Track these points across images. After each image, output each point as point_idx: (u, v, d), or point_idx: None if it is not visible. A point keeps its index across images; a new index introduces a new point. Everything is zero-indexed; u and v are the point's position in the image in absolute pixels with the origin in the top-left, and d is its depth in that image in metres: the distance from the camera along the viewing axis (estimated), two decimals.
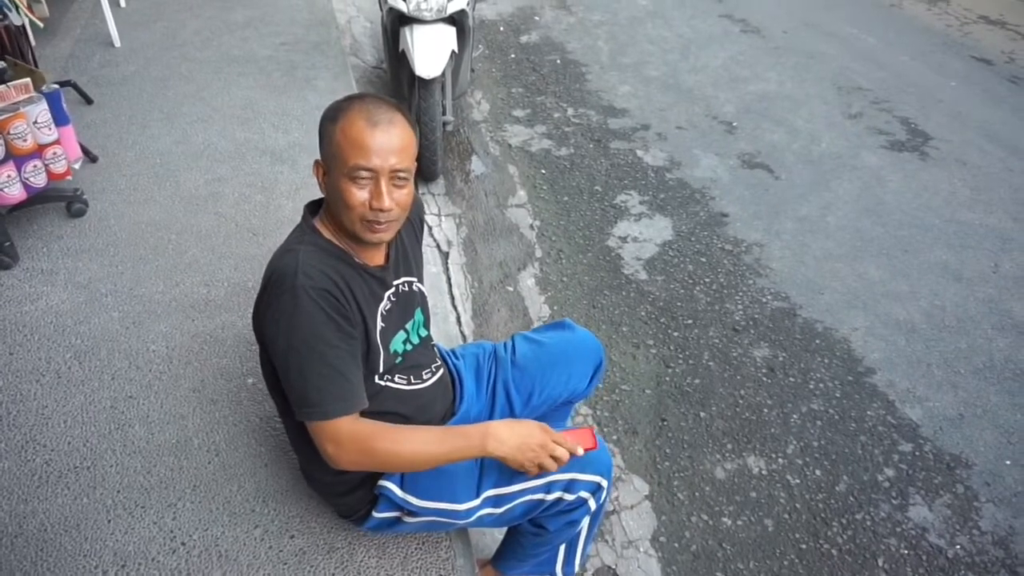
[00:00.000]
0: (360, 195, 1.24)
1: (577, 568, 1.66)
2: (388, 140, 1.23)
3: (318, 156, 1.33)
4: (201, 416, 1.93)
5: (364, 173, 1.23)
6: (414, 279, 1.51)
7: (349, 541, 1.65)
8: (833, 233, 3.36)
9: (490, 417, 1.70)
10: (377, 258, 1.41)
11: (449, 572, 1.64)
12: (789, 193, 3.64)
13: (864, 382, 2.60)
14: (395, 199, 1.26)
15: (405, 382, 1.46)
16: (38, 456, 1.79)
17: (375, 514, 1.49)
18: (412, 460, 1.28)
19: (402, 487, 1.42)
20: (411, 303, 1.49)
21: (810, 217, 3.46)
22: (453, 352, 1.76)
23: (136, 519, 1.66)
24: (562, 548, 1.60)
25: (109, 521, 1.65)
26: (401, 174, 1.26)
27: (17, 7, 2.83)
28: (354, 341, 1.29)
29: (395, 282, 1.44)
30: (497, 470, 1.42)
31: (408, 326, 1.47)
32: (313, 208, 1.41)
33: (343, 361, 1.26)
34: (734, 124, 4.23)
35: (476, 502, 1.42)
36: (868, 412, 2.48)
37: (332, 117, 1.26)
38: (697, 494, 2.20)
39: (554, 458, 1.30)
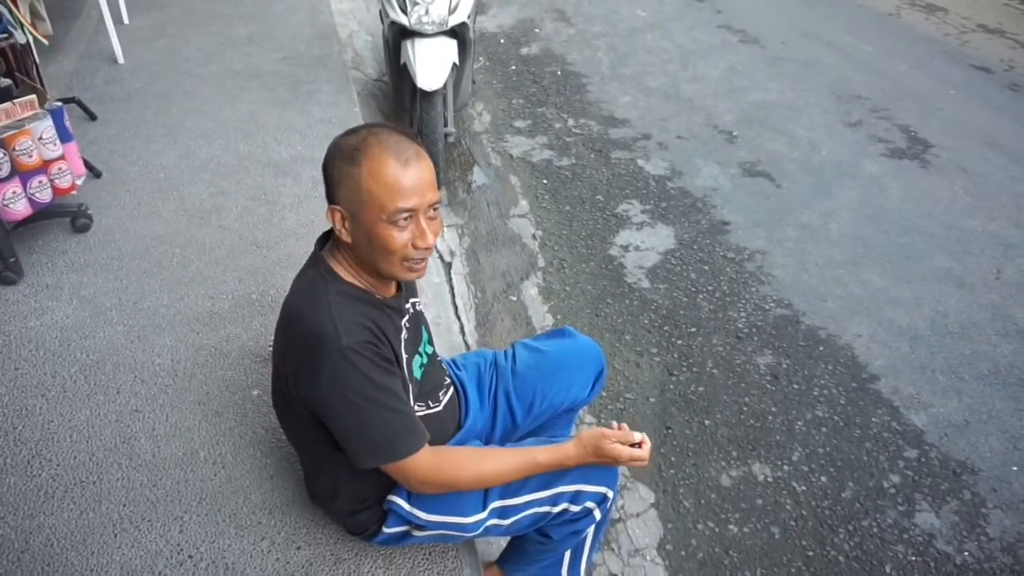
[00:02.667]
0: (402, 237, 1.21)
1: (582, 573, 1.65)
2: (421, 175, 1.20)
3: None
4: (207, 429, 1.93)
5: (406, 215, 1.20)
6: (417, 299, 1.52)
7: (356, 552, 1.65)
8: (835, 240, 3.36)
9: (492, 427, 1.70)
10: (391, 289, 1.40)
11: None
12: (790, 201, 3.65)
13: (868, 388, 2.60)
14: (433, 231, 1.24)
15: (424, 407, 1.46)
16: (44, 471, 1.79)
17: (385, 529, 1.49)
18: (493, 478, 1.34)
19: (410, 502, 1.42)
20: (419, 324, 1.50)
21: (812, 225, 3.47)
22: (454, 362, 1.76)
23: (143, 533, 1.66)
24: (567, 554, 1.60)
25: (115, 535, 1.65)
26: (435, 206, 1.25)
27: (21, 25, 2.85)
28: (399, 376, 1.30)
29: (406, 307, 1.44)
30: None
31: (420, 348, 1.48)
32: (322, 241, 1.39)
33: (399, 400, 1.27)
34: (734, 133, 4.24)
35: (483, 515, 1.42)
36: (873, 419, 2.48)
37: (350, 158, 1.20)
38: (703, 501, 2.20)
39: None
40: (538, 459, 1.34)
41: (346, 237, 1.26)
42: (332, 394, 1.22)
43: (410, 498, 1.43)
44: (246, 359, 2.16)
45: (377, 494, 1.46)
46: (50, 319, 2.27)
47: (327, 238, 1.39)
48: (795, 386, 2.60)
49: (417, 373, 1.44)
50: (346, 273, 1.32)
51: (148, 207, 2.86)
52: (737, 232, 3.40)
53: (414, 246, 1.23)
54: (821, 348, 2.76)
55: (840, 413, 2.49)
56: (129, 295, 2.39)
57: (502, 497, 1.41)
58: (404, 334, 1.39)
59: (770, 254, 3.26)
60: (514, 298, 2.93)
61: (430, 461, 1.30)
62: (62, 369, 2.09)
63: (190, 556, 1.62)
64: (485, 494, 1.41)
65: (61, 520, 1.68)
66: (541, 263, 3.14)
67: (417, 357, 1.46)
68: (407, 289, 1.47)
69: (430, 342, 1.56)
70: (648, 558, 2.03)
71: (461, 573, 1.65)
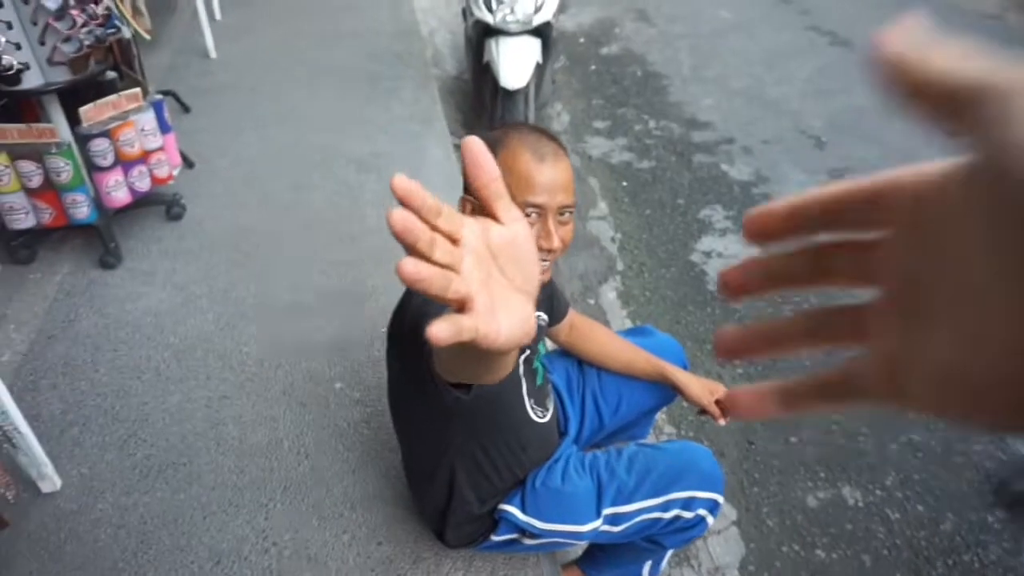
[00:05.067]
0: None
1: (660, 574, 1.62)
2: (556, 175, 1.16)
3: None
4: (291, 419, 1.96)
5: (532, 211, 1.16)
6: (541, 312, 1.49)
7: (435, 552, 1.64)
8: None
9: (580, 429, 1.68)
10: None
11: None
12: None
13: None
14: (561, 236, 1.20)
15: (540, 412, 1.45)
16: (139, 450, 1.85)
17: (493, 537, 1.47)
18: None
19: (524, 511, 1.41)
20: (540, 335, 1.47)
21: None
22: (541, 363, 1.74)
23: (230, 517, 1.69)
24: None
25: (204, 518, 1.69)
26: (568, 210, 1.21)
27: (127, 20, 2.97)
28: None
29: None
30: (615, 489, 1.40)
31: (538, 359, 1.46)
32: None
33: None
34: (823, 139, 4.08)
35: (597, 522, 1.39)
36: (976, 446, 2.32)
37: (490, 149, 1.20)
38: (788, 522, 2.10)
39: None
40: None
41: None
42: (418, 300, 1.13)
43: (524, 507, 1.41)
44: (329, 351, 2.19)
45: (492, 497, 1.44)
46: (145, 304, 2.35)
47: None
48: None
49: (539, 379, 1.43)
50: None
51: (237, 198, 2.94)
52: None
53: (537, 247, 1.19)
54: None
55: (938, 438, 2.35)
56: (218, 283, 2.46)
57: (615, 504, 1.39)
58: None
59: None
60: (592, 301, 2.89)
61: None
62: (156, 353, 2.16)
63: (274, 544, 1.64)
64: (598, 501, 1.39)
65: (154, 499, 1.73)
66: (620, 267, 3.08)
67: (537, 361, 1.44)
68: None
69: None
70: None
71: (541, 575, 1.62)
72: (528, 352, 1.39)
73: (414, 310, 1.13)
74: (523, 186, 1.15)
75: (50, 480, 1.69)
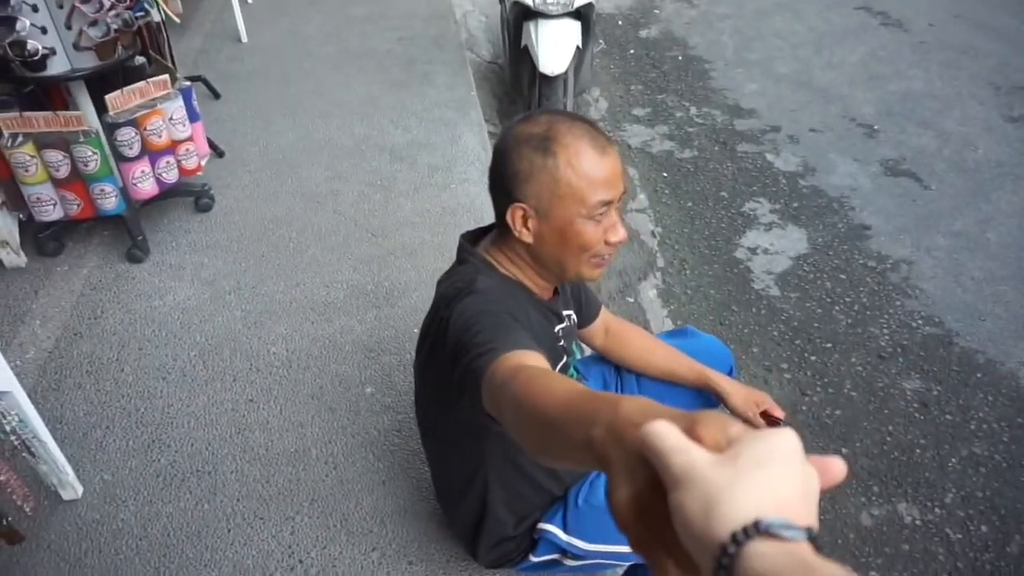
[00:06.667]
0: (597, 233, 1.10)
1: None
2: (616, 164, 1.09)
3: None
4: (320, 425, 1.88)
5: (604, 208, 1.09)
6: (571, 311, 1.39)
7: (470, 573, 1.55)
8: (995, 252, 3.00)
9: None
10: (548, 291, 1.28)
11: None
12: (941, 205, 3.29)
13: None
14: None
15: None
16: (163, 456, 1.79)
17: (532, 558, 1.38)
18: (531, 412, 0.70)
19: (567, 531, 1.31)
20: (572, 335, 1.37)
21: (967, 232, 3.11)
22: (576, 369, 1.63)
23: (255, 530, 1.62)
24: None
25: (229, 531, 1.62)
26: (623, 197, 1.14)
27: (157, 3, 2.89)
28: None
29: (564, 313, 1.32)
30: None
31: (572, 360, 1.36)
32: (470, 238, 1.27)
33: (518, 328, 1.02)
34: (875, 127, 3.88)
35: None
36: None
37: (542, 148, 1.07)
38: (840, 541, 1.98)
39: None
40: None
41: (527, 237, 1.13)
42: (459, 319, 1.04)
43: (567, 526, 1.31)
44: (359, 354, 2.10)
45: (529, 515, 1.35)
46: (172, 300, 2.28)
47: (474, 238, 1.27)
48: (948, 417, 2.32)
49: None
50: (505, 269, 1.20)
51: (267, 189, 2.86)
52: (879, 238, 3.08)
53: (606, 242, 1.11)
54: (979, 375, 2.46)
55: (1003, 452, 2.20)
56: (247, 279, 2.38)
57: None
58: (561, 342, 1.27)
59: (917, 264, 2.94)
60: (631, 299, 2.76)
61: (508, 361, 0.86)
62: (182, 352, 2.09)
63: (300, 561, 1.57)
64: None
65: (178, 509, 1.67)
66: (660, 263, 2.95)
67: (572, 368, 1.34)
68: (561, 295, 1.34)
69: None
70: None
71: None
72: (564, 360, 1.29)
73: (456, 331, 1.03)
74: (595, 186, 1.07)
75: (71, 488, 1.64)
